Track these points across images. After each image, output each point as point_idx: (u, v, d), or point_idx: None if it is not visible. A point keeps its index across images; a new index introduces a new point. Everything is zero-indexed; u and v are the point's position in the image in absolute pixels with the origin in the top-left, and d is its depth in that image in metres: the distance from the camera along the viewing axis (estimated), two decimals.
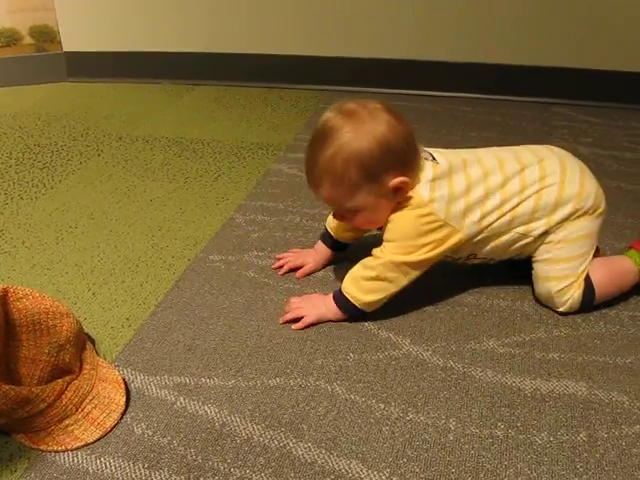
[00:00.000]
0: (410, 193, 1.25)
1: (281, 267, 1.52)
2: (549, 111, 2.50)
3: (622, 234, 1.60)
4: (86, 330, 1.29)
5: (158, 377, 1.20)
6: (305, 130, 2.35)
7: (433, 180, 1.25)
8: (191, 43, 2.86)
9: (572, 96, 2.54)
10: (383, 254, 1.26)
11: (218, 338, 1.30)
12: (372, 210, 1.27)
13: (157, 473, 1.01)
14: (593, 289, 1.32)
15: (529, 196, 1.29)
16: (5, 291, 1.13)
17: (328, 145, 1.20)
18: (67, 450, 1.05)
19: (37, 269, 1.55)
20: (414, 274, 1.28)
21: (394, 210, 1.26)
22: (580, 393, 1.15)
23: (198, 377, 1.20)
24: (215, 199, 1.87)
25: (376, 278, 1.27)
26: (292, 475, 1.00)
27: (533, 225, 1.30)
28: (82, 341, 1.19)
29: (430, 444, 1.05)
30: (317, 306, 1.33)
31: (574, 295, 1.31)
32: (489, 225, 1.28)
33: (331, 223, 1.48)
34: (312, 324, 1.32)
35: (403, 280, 1.28)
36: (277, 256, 1.55)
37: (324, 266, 1.51)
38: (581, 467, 1.00)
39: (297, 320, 1.33)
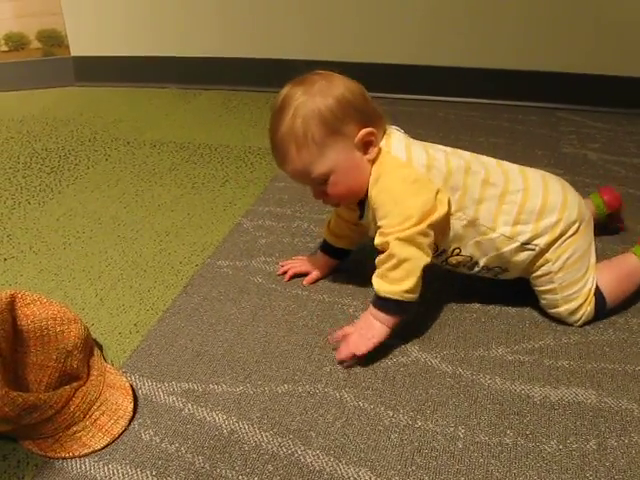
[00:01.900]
0: (383, 157, 1.23)
1: (285, 273, 1.51)
2: (557, 116, 2.49)
3: (631, 240, 1.59)
4: (94, 336, 1.29)
5: (166, 383, 1.20)
6: None
7: (407, 145, 1.25)
8: (199, 48, 2.86)
9: (580, 101, 2.54)
10: (387, 237, 1.19)
11: (226, 344, 1.30)
12: (347, 171, 1.22)
13: None
14: (604, 298, 1.31)
15: (517, 191, 1.26)
16: (13, 297, 1.13)
17: (285, 112, 1.19)
18: (75, 457, 1.05)
19: (45, 274, 1.55)
20: (429, 239, 1.20)
21: (373, 182, 1.23)
22: (589, 401, 1.14)
23: (206, 383, 1.20)
24: (223, 204, 1.87)
25: (399, 263, 1.19)
26: None
27: (519, 228, 1.26)
28: (90, 347, 1.19)
29: (439, 452, 1.05)
30: (363, 331, 1.23)
31: (586, 311, 1.30)
32: (471, 201, 1.25)
33: (327, 232, 1.48)
34: (368, 351, 1.22)
35: (424, 249, 1.20)
36: (281, 263, 1.55)
37: (328, 274, 1.51)
38: (591, 475, 1.00)
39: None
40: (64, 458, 1.05)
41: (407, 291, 1.20)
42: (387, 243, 1.19)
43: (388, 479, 1.00)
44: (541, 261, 1.28)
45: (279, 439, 1.07)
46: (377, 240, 1.22)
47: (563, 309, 1.30)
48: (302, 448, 1.06)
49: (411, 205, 1.19)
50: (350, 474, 1.01)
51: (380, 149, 1.24)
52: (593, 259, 1.32)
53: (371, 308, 1.24)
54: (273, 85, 2.78)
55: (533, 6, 2.48)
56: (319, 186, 1.26)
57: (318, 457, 1.04)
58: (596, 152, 2.17)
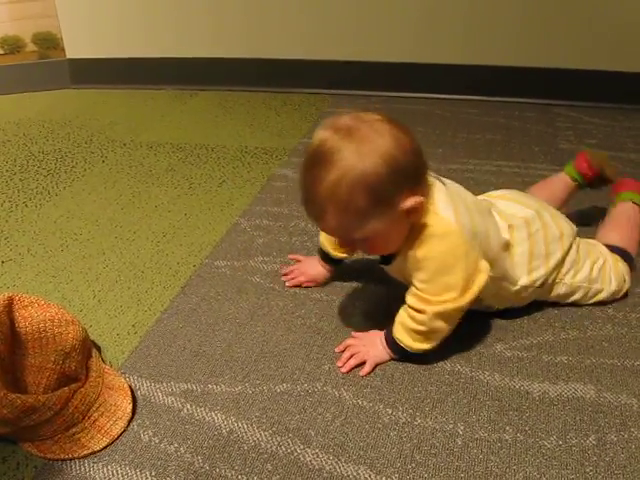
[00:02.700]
0: (431, 217, 1.11)
1: (288, 274, 1.50)
2: (553, 113, 2.49)
3: None
4: (92, 337, 1.29)
5: (165, 384, 1.20)
6: (310, 134, 2.35)
7: (452, 203, 1.14)
8: (194, 49, 2.86)
9: (576, 97, 2.54)
10: (425, 307, 1.14)
11: (224, 344, 1.30)
12: (386, 235, 1.12)
13: None
14: (626, 251, 1.41)
15: (525, 241, 1.27)
16: (10, 299, 1.13)
17: (328, 170, 1.03)
18: (74, 458, 1.05)
19: (42, 276, 1.55)
20: (463, 312, 1.18)
21: (415, 239, 1.13)
22: (588, 396, 1.14)
23: (205, 383, 1.20)
24: (220, 205, 1.87)
25: (427, 331, 1.17)
26: None
27: (534, 275, 1.27)
28: (88, 349, 1.19)
29: (438, 449, 1.04)
30: (375, 345, 1.23)
31: (611, 286, 1.36)
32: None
33: (325, 241, 1.40)
34: (377, 365, 1.23)
35: (455, 322, 1.18)
36: (283, 271, 1.51)
37: (329, 278, 1.48)
38: (591, 471, 1.00)
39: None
40: (63, 459, 1.05)
41: (422, 350, 1.20)
42: (424, 311, 1.15)
43: (387, 477, 1.00)
44: (554, 288, 1.33)
45: (278, 438, 1.07)
46: (412, 301, 1.17)
47: (603, 297, 1.37)
48: (301, 447, 1.05)
49: (457, 278, 1.13)
50: (349, 472, 1.01)
51: (425, 208, 1.12)
52: (600, 254, 1.37)
53: (384, 340, 1.23)
54: (269, 85, 2.81)
55: (529, 2, 2.48)
56: (350, 240, 1.16)
57: (317, 456, 1.04)
58: (593, 148, 2.16)
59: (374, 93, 2.71)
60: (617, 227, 1.47)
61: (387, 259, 1.21)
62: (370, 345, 1.24)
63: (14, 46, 2.94)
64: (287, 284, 1.47)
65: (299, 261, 1.53)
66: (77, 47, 2.97)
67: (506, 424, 1.09)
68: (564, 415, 1.10)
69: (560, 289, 1.33)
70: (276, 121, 2.52)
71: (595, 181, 1.58)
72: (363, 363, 1.22)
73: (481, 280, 1.14)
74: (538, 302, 1.36)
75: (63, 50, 2.97)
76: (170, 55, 2.89)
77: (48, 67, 2.99)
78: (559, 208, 1.46)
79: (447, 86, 2.67)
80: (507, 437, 1.06)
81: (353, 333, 1.29)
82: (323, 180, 1.04)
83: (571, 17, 2.45)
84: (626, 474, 0.99)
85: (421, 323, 1.16)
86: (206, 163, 2.16)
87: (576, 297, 1.35)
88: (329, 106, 2.65)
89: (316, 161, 1.06)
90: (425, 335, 1.18)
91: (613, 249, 1.40)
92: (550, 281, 1.30)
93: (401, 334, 1.19)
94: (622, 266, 1.38)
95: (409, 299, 1.18)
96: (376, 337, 1.25)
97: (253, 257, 1.59)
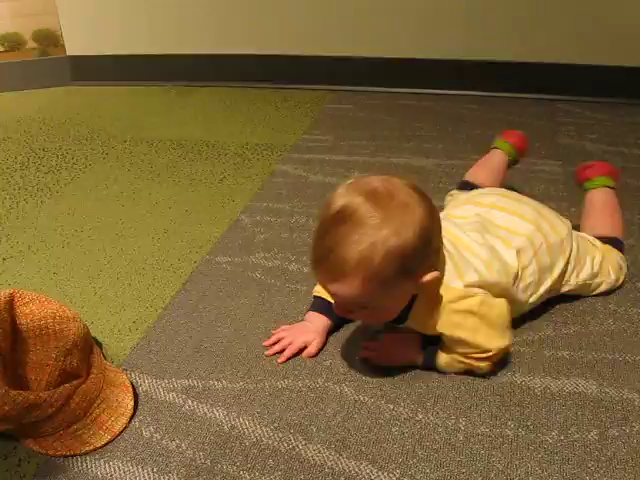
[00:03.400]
0: (439, 286, 1.10)
1: (276, 349, 1.26)
2: (554, 108, 2.49)
3: (630, 230, 1.59)
4: (93, 334, 1.28)
5: (166, 380, 1.20)
6: (310, 130, 2.35)
7: (455, 266, 1.12)
8: (195, 45, 2.86)
9: (577, 92, 2.53)
10: (484, 363, 1.15)
11: (226, 340, 1.30)
12: (390, 308, 1.09)
13: (166, 477, 1.00)
14: (616, 238, 1.43)
15: (532, 259, 1.24)
16: (11, 296, 1.13)
17: (361, 234, 0.97)
18: (75, 455, 1.05)
19: (43, 273, 1.55)
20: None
21: (432, 311, 1.11)
22: (590, 391, 1.14)
23: (206, 380, 1.20)
24: (221, 201, 1.87)
25: (472, 368, 1.17)
26: (302, 477, 0.99)
27: (541, 289, 1.26)
28: (89, 345, 1.19)
29: (440, 444, 1.04)
30: (407, 349, 1.21)
31: (610, 277, 1.38)
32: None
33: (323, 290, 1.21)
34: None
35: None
36: (266, 342, 1.28)
37: (329, 336, 1.30)
38: (592, 466, 1.00)
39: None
40: (65, 456, 1.05)
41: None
42: (483, 368, 1.16)
43: (389, 472, 1.00)
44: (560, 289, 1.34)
45: (280, 434, 1.07)
46: (468, 360, 1.16)
47: (604, 288, 1.38)
48: (303, 443, 1.05)
49: (489, 326, 1.12)
50: (351, 468, 1.01)
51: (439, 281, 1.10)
52: (583, 245, 1.36)
53: (418, 346, 1.20)
54: (269, 81, 2.81)
55: None
56: (352, 305, 1.08)
57: (319, 451, 1.04)
58: (594, 143, 2.16)
59: (375, 89, 2.70)
60: (600, 216, 1.48)
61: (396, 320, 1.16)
62: (402, 347, 1.22)
63: (14, 43, 2.94)
64: (279, 360, 1.24)
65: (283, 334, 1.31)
66: (77, 44, 2.97)
67: (508, 419, 1.09)
68: (566, 410, 1.10)
69: (564, 289, 1.33)
70: (277, 117, 2.52)
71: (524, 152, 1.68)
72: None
73: (504, 307, 1.14)
74: None
75: (63, 47, 2.97)
76: (170, 52, 2.89)
77: (48, 64, 2.99)
78: (501, 185, 1.53)
79: (447, 81, 2.67)
80: (509, 432, 1.06)
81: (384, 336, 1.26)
82: (354, 243, 0.97)
83: (572, 12, 2.44)
84: (628, 469, 0.99)
85: (469, 365, 1.16)
86: (207, 159, 2.15)
87: (578, 292, 1.36)
88: (329, 102, 2.65)
89: (343, 222, 0.99)
90: (464, 368, 1.18)
91: (604, 240, 1.41)
92: (557, 286, 1.30)
93: (442, 365, 1.18)
94: (616, 255, 1.40)
95: (445, 361, 1.17)
96: (408, 342, 1.21)
97: (254, 253, 1.59)
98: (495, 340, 1.13)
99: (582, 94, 2.53)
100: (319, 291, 1.30)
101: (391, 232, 0.97)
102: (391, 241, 0.97)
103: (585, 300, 1.37)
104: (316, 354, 1.24)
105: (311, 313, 1.30)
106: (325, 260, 1.01)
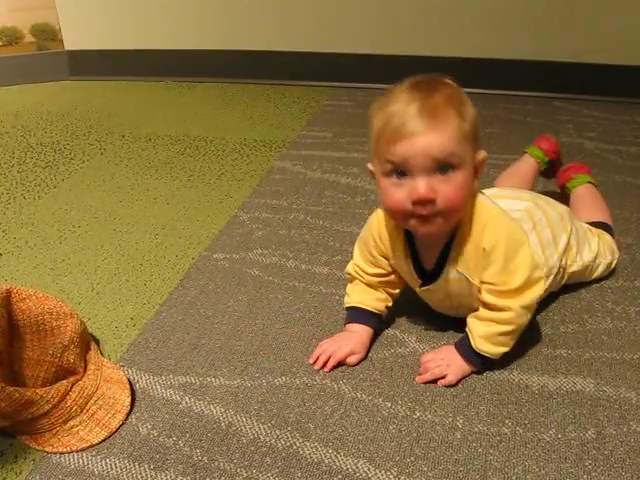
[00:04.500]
0: (476, 207, 1.12)
1: (323, 359, 1.22)
2: (553, 106, 2.49)
3: (628, 229, 1.59)
4: (90, 330, 1.28)
5: (163, 377, 1.20)
6: (309, 127, 2.35)
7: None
8: (193, 40, 2.85)
9: (576, 90, 2.53)
10: (510, 303, 1.11)
11: (223, 337, 1.29)
12: (466, 180, 1.06)
13: (163, 474, 1.00)
14: (606, 224, 1.47)
15: (532, 231, 1.26)
16: (8, 292, 1.13)
17: (441, 89, 1.07)
18: (72, 451, 1.05)
19: (40, 269, 1.54)
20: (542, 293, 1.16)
21: (467, 234, 1.12)
22: (588, 390, 1.14)
23: (203, 376, 1.19)
24: (219, 197, 1.86)
25: (514, 330, 1.14)
26: (299, 475, 0.99)
27: (550, 262, 1.26)
28: (86, 341, 1.18)
29: (437, 442, 1.04)
30: (453, 362, 1.17)
31: (606, 257, 1.40)
32: None
33: (363, 292, 1.26)
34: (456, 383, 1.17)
35: (530, 315, 1.15)
36: (313, 359, 1.23)
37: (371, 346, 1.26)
38: (590, 464, 1.00)
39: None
40: (62, 453, 1.05)
41: (503, 353, 1.17)
42: (509, 308, 1.12)
43: (386, 470, 1.00)
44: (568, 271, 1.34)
45: (277, 431, 1.07)
46: (492, 299, 1.13)
47: (601, 270, 1.40)
48: (300, 440, 1.05)
49: (525, 253, 1.11)
50: (349, 465, 1.00)
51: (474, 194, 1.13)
52: (581, 227, 1.39)
53: (463, 358, 1.17)
54: (268, 77, 2.80)
55: None
56: (438, 174, 1.04)
57: (316, 449, 1.04)
58: (592, 141, 2.16)
59: (373, 86, 2.70)
60: (589, 206, 1.52)
61: (432, 276, 1.18)
62: (448, 363, 1.17)
63: (12, 37, 2.93)
64: (325, 369, 1.20)
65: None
66: (75, 39, 2.96)
67: (505, 417, 1.08)
68: (563, 408, 1.10)
69: (571, 269, 1.32)
70: (275, 113, 2.52)
71: (555, 162, 1.67)
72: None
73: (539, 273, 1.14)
74: None
75: (61, 42, 2.96)
76: (169, 47, 2.88)
77: (46, 59, 2.98)
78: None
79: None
80: (506, 430, 1.06)
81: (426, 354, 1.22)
82: (438, 91, 1.06)
83: (571, 10, 2.44)
84: (625, 467, 0.99)
85: (508, 322, 1.13)
86: (205, 155, 2.15)
87: (579, 277, 1.37)
88: (328, 99, 2.64)
89: (422, 87, 1.08)
90: (511, 336, 1.14)
91: (595, 225, 1.44)
92: (564, 265, 1.30)
93: (484, 345, 1.14)
94: (608, 237, 1.43)
95: (488, 298, 1.13)
96: (452, 353, 1.18)
97: (252, 250, 1.59)
98: (524, 269, 1.10)
99: (581, 92, 2.52)
100: (351, 302, 1.27)
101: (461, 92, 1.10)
102: (464, 95, 1.10)
103: (583, 299, 1.37)
104: (355, 365, 1.21)
105: (352, 324, 1.26)
106: (417, 115, 1.04)
